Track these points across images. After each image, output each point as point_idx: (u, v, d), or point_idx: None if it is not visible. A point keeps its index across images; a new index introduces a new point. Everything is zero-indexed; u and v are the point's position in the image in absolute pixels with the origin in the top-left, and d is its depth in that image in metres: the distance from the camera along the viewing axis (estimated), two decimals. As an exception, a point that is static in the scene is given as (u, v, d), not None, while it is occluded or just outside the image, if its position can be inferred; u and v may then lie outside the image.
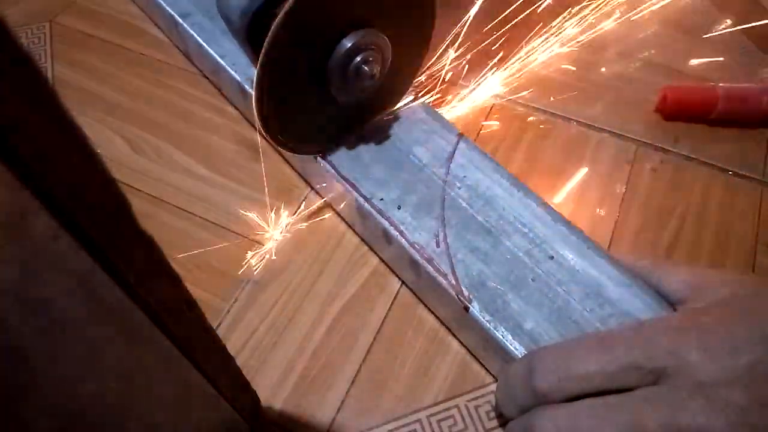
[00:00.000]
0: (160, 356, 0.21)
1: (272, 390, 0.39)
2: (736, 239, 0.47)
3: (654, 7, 0.64)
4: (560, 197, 0.49)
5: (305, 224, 0.47)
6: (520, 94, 0.56)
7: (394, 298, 0.43)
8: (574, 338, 0.34)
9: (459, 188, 0.42)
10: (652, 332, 0.30)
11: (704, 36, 0.62)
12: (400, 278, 0.44)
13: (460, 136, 0.45)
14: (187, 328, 0.22)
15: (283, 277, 0.44)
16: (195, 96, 0.55)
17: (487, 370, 0.40)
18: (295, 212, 0.48)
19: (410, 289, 0.44)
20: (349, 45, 0.36)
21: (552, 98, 0.56)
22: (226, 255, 0.45)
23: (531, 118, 0.55)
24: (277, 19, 0.33)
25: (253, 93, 0.36)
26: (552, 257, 0.39)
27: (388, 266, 0.45)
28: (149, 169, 0.50)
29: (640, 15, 0.63)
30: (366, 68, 0.37)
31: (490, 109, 0.55)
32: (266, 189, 0.49)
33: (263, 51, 0.33)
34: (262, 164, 0.50)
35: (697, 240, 0.47)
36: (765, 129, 0.54)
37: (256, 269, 0.45)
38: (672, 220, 0.48)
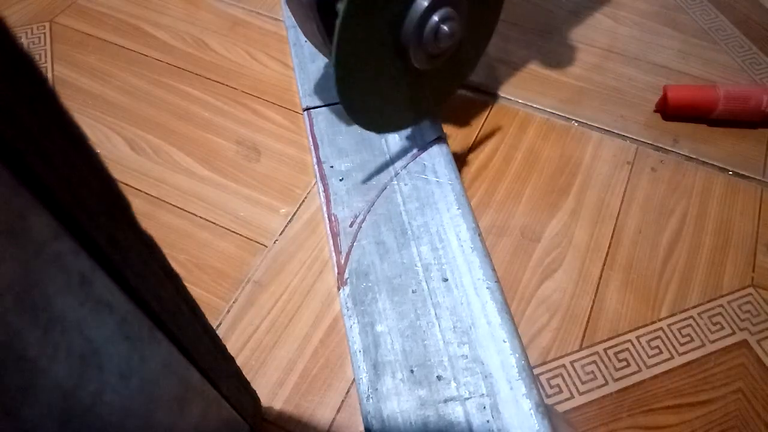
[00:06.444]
0: (160, 356, 0.21)
1: (272, 390, 0.39)
2: (736, 239, 0.47)
3: (654, 8, 0.64)
4: (560, 197, 0.49)
5: (305, 224, 0.47)
6: (520, 94, 0.56)
7: (394, 298, 0.43)
8: None
9: (405, 185, 0.43)
10: None
11: (704, 36, 0.62)
12: None
13: (439, 139, 0.45)
14: (187, 328, 0.22)
15: (283, 277, 0.44)
16: (195, 96, 0.55)
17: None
18: (295, 212, 0.47)
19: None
20: (426, 3, 0.32)
21: (552, 98, 0.56)
22: (226, 255, 0.45)
23: (531, 118, 0.55)
24: None
25: (333, 68, 0.33)
26: (446, 280, 0.38)
27: None
28: (149, 169, 0.50)
29: (640, 15, 0.63)
30: (445, 27, 0.34)
31: (490, 109, 0.55)
32: (266, 189, 0.49)
33: (339, 21, 0.30)
34: (262, 164, 0.50)
35: (697, 240, 0.47)
36: (765, 129, 0.54)
37: (256, 269, 0.45)
38: (672, 220, 0.48)
